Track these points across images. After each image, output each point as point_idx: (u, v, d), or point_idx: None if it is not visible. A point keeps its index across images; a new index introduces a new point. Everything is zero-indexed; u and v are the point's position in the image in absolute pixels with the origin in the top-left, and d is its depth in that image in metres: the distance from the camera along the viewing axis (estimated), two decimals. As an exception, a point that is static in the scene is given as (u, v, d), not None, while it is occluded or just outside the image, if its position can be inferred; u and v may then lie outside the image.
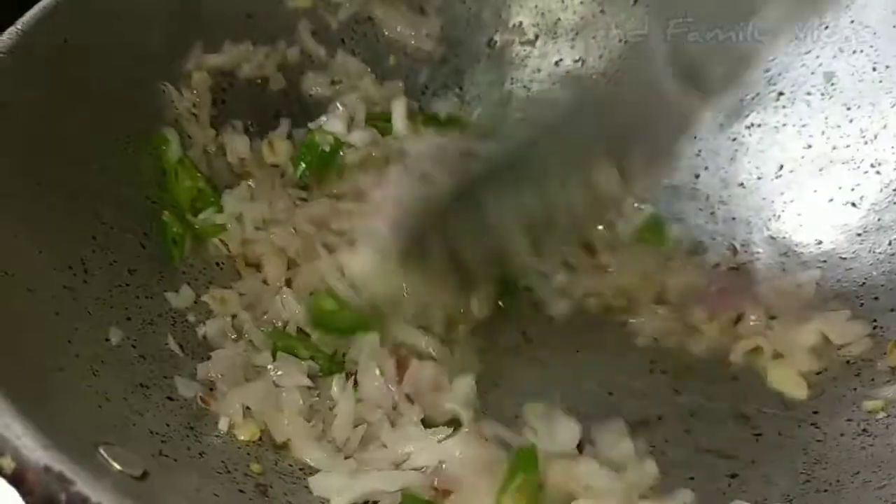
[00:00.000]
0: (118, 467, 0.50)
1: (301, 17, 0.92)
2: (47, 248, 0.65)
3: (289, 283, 0.80)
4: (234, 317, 0.76)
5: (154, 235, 0.77)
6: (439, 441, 0.65)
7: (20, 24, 0.69)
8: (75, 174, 0.71)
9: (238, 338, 0.75)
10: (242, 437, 0.66)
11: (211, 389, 0.69)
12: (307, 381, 0.70)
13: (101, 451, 0.51)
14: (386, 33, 0.95)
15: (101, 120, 0.75)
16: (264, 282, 0.80)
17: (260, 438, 0.67)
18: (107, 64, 0.75)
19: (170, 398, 0.66)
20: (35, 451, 0.44)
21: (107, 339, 0.65)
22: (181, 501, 0.54)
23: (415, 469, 0.64)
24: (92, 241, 0.70)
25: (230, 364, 0.71)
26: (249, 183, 0.86)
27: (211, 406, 0.67)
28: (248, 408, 0.68)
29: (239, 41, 0.88)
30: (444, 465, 0.64)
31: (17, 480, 0.43)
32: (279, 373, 0.71)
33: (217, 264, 0.81)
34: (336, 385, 0.71)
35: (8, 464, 0.43)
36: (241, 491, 0.60)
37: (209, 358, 0.71)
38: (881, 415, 0.66)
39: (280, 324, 0.77)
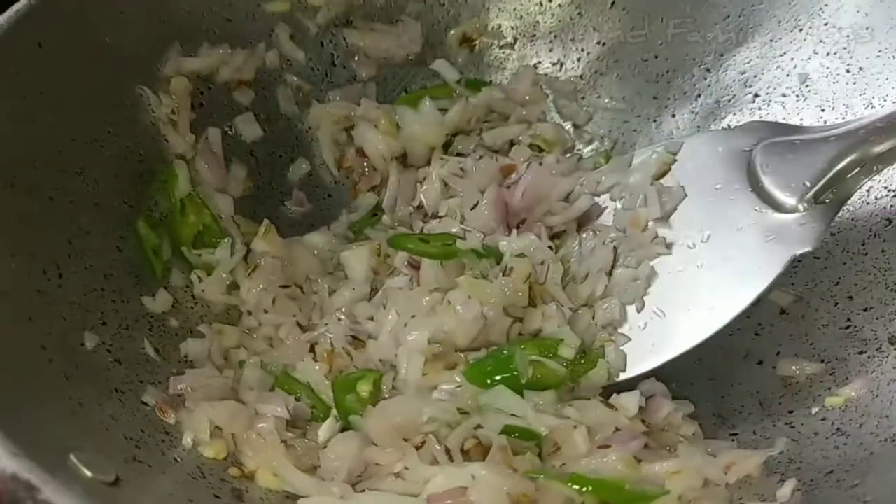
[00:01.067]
0: (89, 474, 0.50)
1: (279, 21, 0.92)
2: (21, 252, 0.65)
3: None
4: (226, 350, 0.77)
5: (130, 239, 0.76)
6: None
7: (-7, 27, 0.69)
8: (51, 178, 0.71)
9: (224, 366, 0.75)
10: (207, 455, 0.65)
11: (184, 404, 0.68)
12: (286, 415, 0.69)
13: (73, 458, 0.50)
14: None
15: (78, 124, 0.75)
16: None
17: (225, 458, 0.66)
18: (82, 68, 0.75)
19: (145, 403, 0.66)
20: (2, 459, 0.44)
21: (81, 344, 0.65)
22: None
23: (432, 494, 0.61)
24: (67, 246, 0.70)
25: (204, 382, 0.70)
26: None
27: (168, 417, 0.66)
28: (217, 427, 0.67)
29: (217, 44, 0.88)
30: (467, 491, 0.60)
31: (-16, 488, 0.43)
32: (260, 402, 0.70)
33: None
34: (326, 428, 0.69)
35: (-24, 471, 0.43)
36: (216, 496, 0.60)
37: (184, 373, 0.71)
38: (838, 413, 0.68)
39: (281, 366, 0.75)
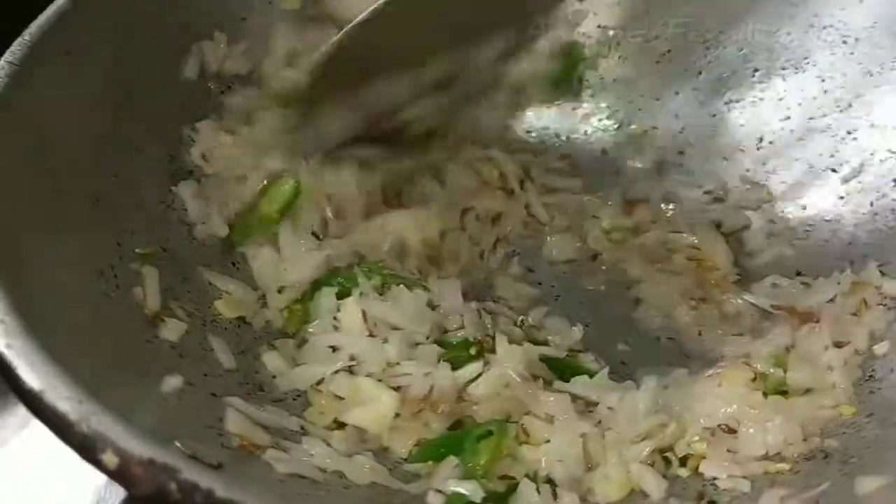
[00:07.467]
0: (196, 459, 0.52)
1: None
2: (75, 259, 0.65)
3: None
4: None
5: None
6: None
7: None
8: (94, 183, 0.72)
9: None
10: None
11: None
12: None
13: (178, 445, 0.52)
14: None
15: (115, 131, 0.76)
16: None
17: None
18: (116, 74, 0.76)
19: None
20: (134, 444, 0.45)
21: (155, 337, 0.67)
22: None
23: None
24: (117, 248, 0.71)
25: None
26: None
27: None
28: None
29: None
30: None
31: (121, 474, 0.44)
32: None
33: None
34: None
35: (111, 459, 0.45)
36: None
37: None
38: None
39: None
